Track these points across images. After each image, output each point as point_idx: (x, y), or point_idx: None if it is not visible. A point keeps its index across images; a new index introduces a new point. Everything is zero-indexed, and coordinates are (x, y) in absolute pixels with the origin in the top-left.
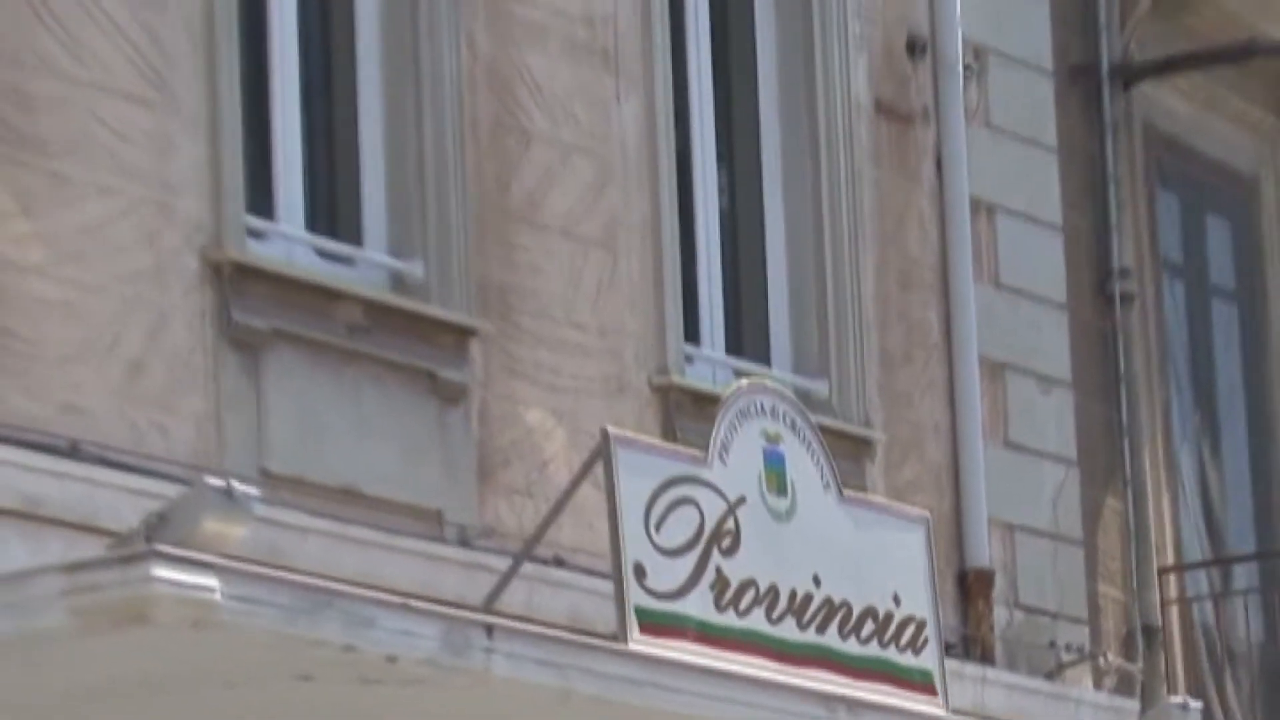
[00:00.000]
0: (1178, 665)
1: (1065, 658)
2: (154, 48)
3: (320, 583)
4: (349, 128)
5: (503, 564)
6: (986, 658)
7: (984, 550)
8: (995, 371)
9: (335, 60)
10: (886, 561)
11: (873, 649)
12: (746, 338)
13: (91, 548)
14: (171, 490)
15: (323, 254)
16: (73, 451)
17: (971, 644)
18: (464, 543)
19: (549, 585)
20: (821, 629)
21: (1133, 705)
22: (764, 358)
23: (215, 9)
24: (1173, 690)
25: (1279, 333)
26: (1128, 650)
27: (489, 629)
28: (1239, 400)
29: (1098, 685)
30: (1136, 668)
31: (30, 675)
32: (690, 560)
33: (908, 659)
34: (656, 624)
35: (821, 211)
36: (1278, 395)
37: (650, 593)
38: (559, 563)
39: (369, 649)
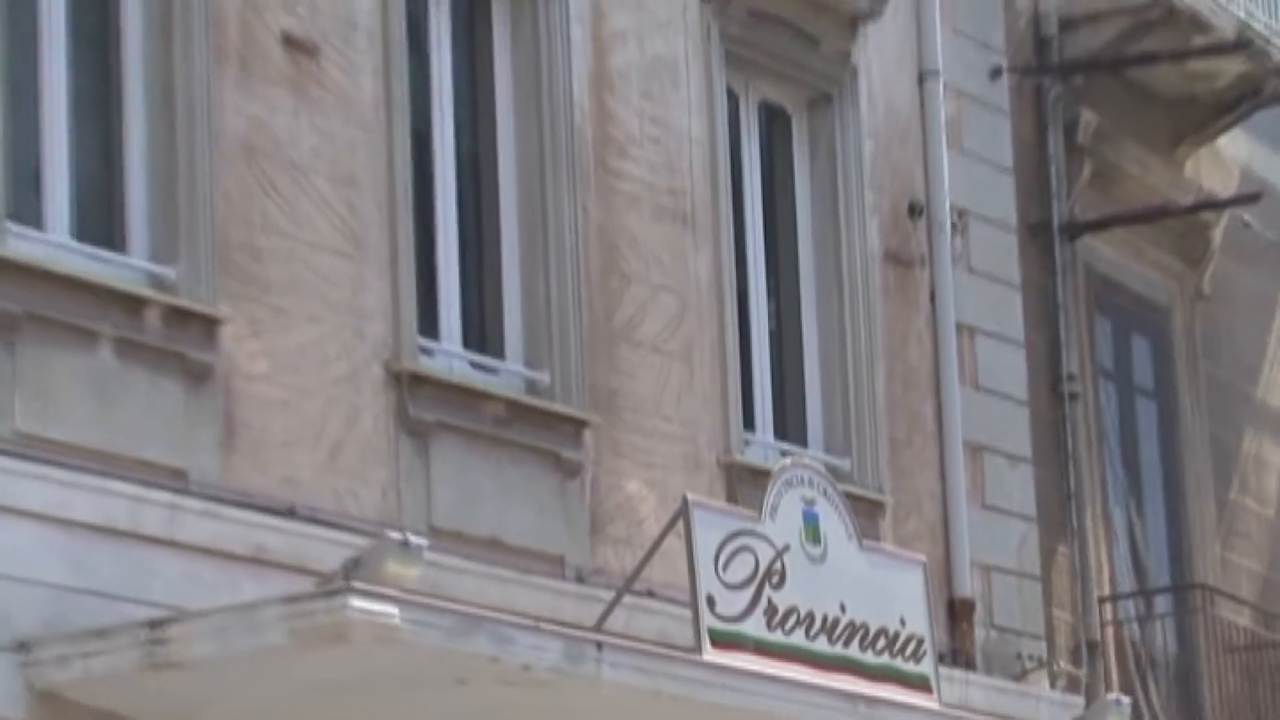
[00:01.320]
0: (1113, 671)
1: (1028, 665)
2: (351, 214)
3: (473, 610)
4: (495, 271)
5: (609, 595)
6: (969, 665)
7: (967, 585)
8: (975, 452)
9: (485, 222)
10: (894, 593)
11: (884, 659)
12: (790, 426)
13: (304, 585)
14: (363, 541)
15: (474, 365)
16: (290, 513)
17: (958, 655)
18: (580, 580)
19: (643, 611)
20: (846, 644)
21: (1079, 701)
22: (802, 441)
23: (395, 187)
24: (1109, 689)
25: (1185, 421)
26: (1075, 659)
27: (599, 645)
28: (1156, 471)
29: (1052, 686)
30: (1082, 673)
31: (258, 679)
32: (748, 593)
33: (910, 666)
34: (723, 640)
35: (845, 332)
36: (1186, 468)
37: (719, 617)
38: (650, 594)
39: (509, 660)
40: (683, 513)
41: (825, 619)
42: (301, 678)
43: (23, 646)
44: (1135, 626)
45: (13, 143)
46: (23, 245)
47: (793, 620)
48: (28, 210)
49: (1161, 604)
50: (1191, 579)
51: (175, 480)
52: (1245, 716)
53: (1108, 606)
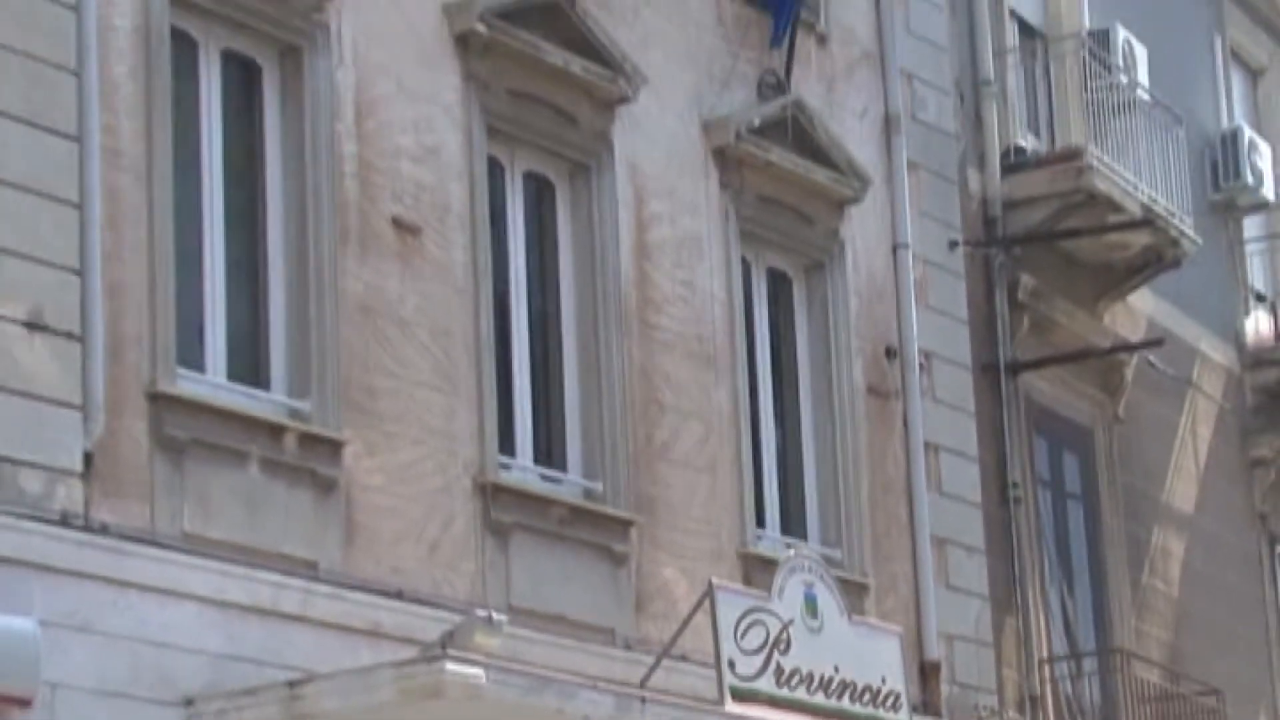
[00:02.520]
0: (1050, 719)
1: (983, 714)
2: (445, 358)
3: (542, 672)
4: (559, 402)
5: (650, 659)
6: (937, 714)
7: (934, 650)
8: (939, 544)
9: (551, 364)
10: (876, 657)
11: (869, 710)
12: (793, 524)
13: (409, 653)
14: (456, 618)
15: (543, 477)
16: (398, 595)
17: (928, 706)
18: (627, 647)
19: (677, 672)
20: (839, 698)
21: None
22: (803, 535)
23: (480, 337)
24: None
25: (1106, 520)
26: (1020, 710)
27: (643, 699)
28: (1084, 559)
29: None
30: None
31: None
32: (761, 657)
33: (889, 715)
34: (741, 696)
35: (836, 450)
36: (1107, 557)
37: (737, 676)
38: (683, 658)
39: (572, 711)
40: (708, 594)
41: (822, 678)
42: None
43: (189, 702)
44: (1068, 683)
45: (180, 303)
46: (188, 385)
47: (796, 679)
48: (192, 356)
49: (1089, 665)
50: (1112, 645)
51: (308, 570)
52: None
53: (1046, 667)
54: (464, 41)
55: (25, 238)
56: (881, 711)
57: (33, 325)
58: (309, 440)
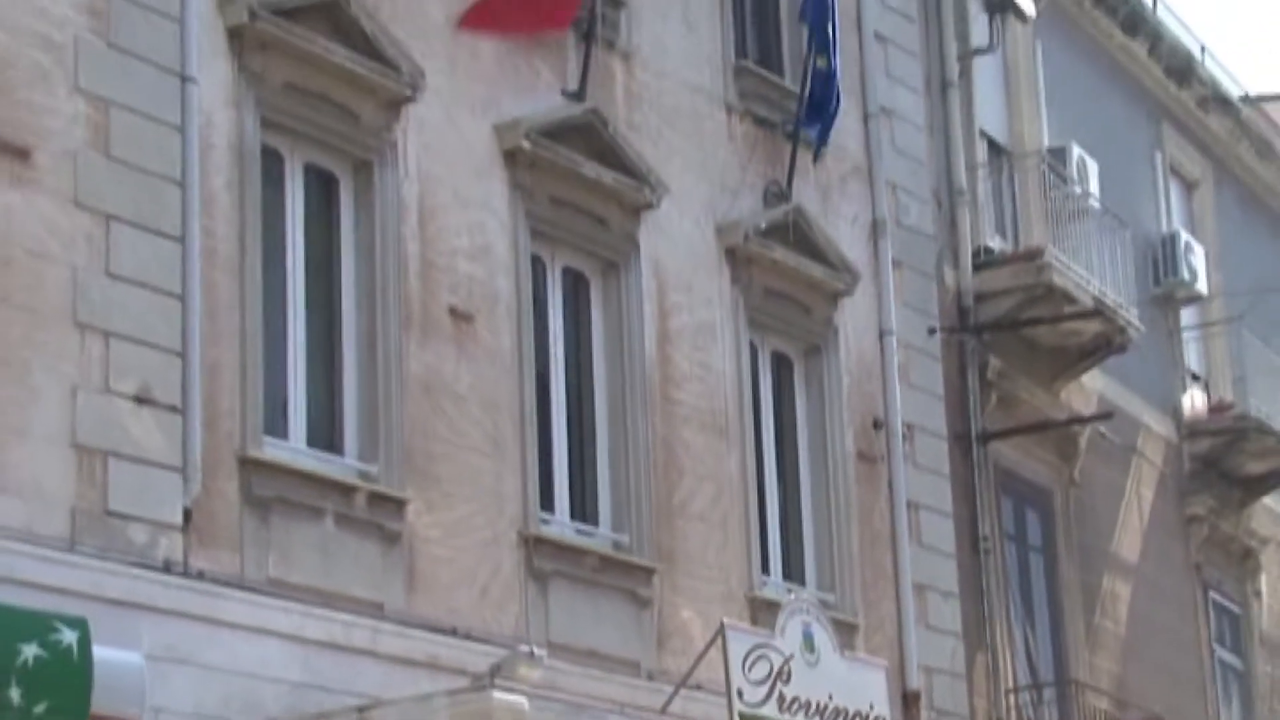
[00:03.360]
0: None
1: None
2: (494, 429)
3: (577, 700)
4: (592, 467)
5: (669, 689)
6: None
7: (915, 681)
8: (920, 590)
9: (585, 433)
10: (865, 687)
11: None
12: (793, 572)
13: (462, 682)
14: (502, 652)
15: (578, 531)
16: (453, 633)
17: None
18: (650, 678)
19: (694, 700)
20: None
21: None
22: (802, 581)
23: (524, 410)
24: None
25: (1063, 569)
26: None
27: None
28: (1044, 602)
29: None
30: None
31: None
32: (766, 686)
33: None
34: None
35: (831, 508)
36: (1064, 600)
37: (745, 704)
38: (699, 688)
39: None
40: (720, 632)
41: (819, 705)
42: None
43: None
44: (1030, 710)
45: (267, 380)
46: (273, 450)
47: (796, 705)
48: (276, 426)
49: (1048, 694)
50: (1068, 676)
51: (375, 610)
52: None
53: (1012, 695)
54: (511, 156)
55: (135, 324)
56: None
57: (141, 400)
58: (376, 499)
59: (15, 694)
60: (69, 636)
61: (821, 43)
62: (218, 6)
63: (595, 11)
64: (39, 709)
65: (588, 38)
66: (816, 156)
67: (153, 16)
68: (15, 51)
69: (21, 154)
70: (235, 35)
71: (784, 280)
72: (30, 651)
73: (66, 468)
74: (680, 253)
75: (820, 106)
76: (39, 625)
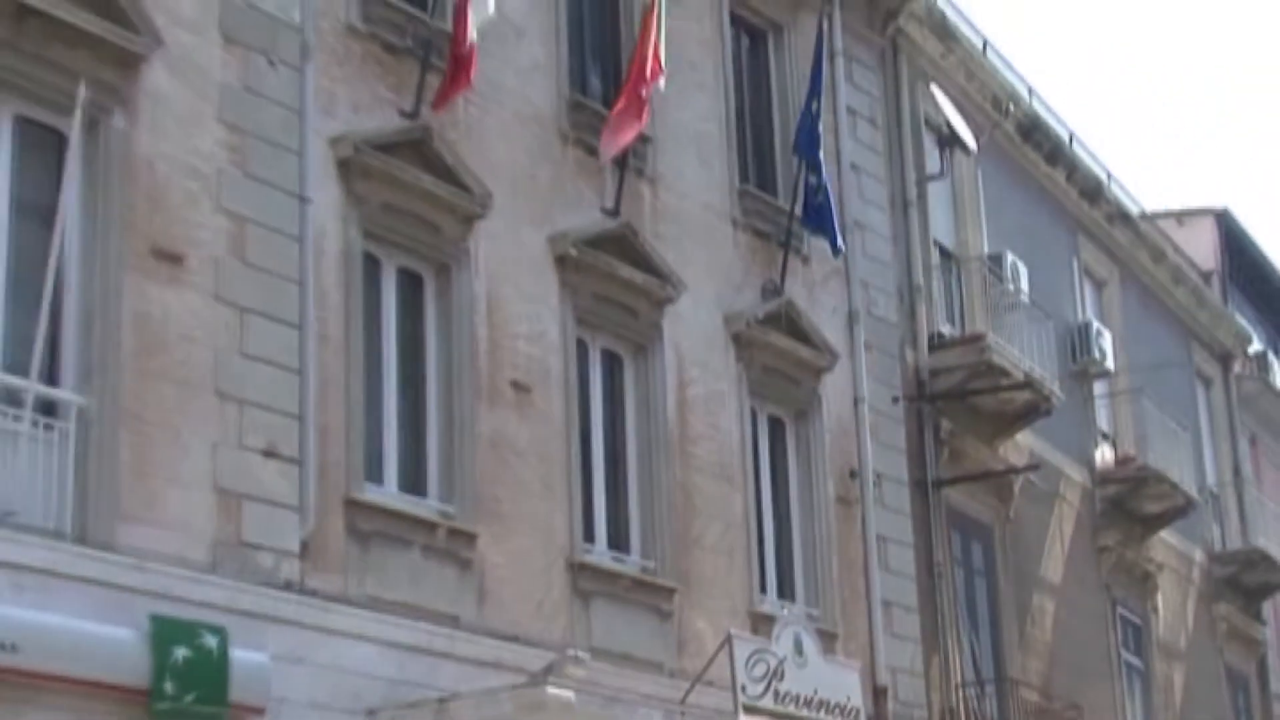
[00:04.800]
0: None
1: None
2: (547, 475)
3: (613, 693)
4: (625, 508)
5: (687, 684)
6: None
7: (884, 678)
8: (887, 606)
9: (619, 481)
10: (844, 684)
11: (838, 718)
12: (786, 591)
13: (521, 679)
14: (553, 655)
15: (614, 558)
16: (514, 639)
17: (878, 717)
18: (671, 675)
19: (706, 694)
20: (818, 711)
21: None
22: (793, 598)
23: (570, 462)
24: None
25: (1001, 589)
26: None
27: (682, 713)
28: (986, 616)
29: None
30: None
31: None
32: (764, 683)
33: None
34: (751, 710)
35: (816, 540)
36: (1002, 614)
37: (747, 696)
38: (710, 684)
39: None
40: (728, 640)
41: (806, 698)
42: None
43: (370, 713)
44: (975, 702)
45: (367, 438)
46: (372, 494)
47: (788, 698)
48: (374, 474)
49: (989, 689)
50: (1005, 675)
51: (452, 621)
52: None
53: (960, 690)
54: (561, 261)
55: (263, 394)
56: None
57: (268, 453)
58: (454, 533)
59: (170, 686)
60: (211, 641)
61: (814, 165)
62: (329, 143)
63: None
64: (188, 698)
65: (622, 166)
66: (805, 261)
67: (279, 151)
68: (172, 180)
69: (176, 259)
70: (343, 165)
71: (778, 358)
72: (181, 653)
73: (210, 508)
74: (695, 337)
75: (822, 215)
76: (188, 632)
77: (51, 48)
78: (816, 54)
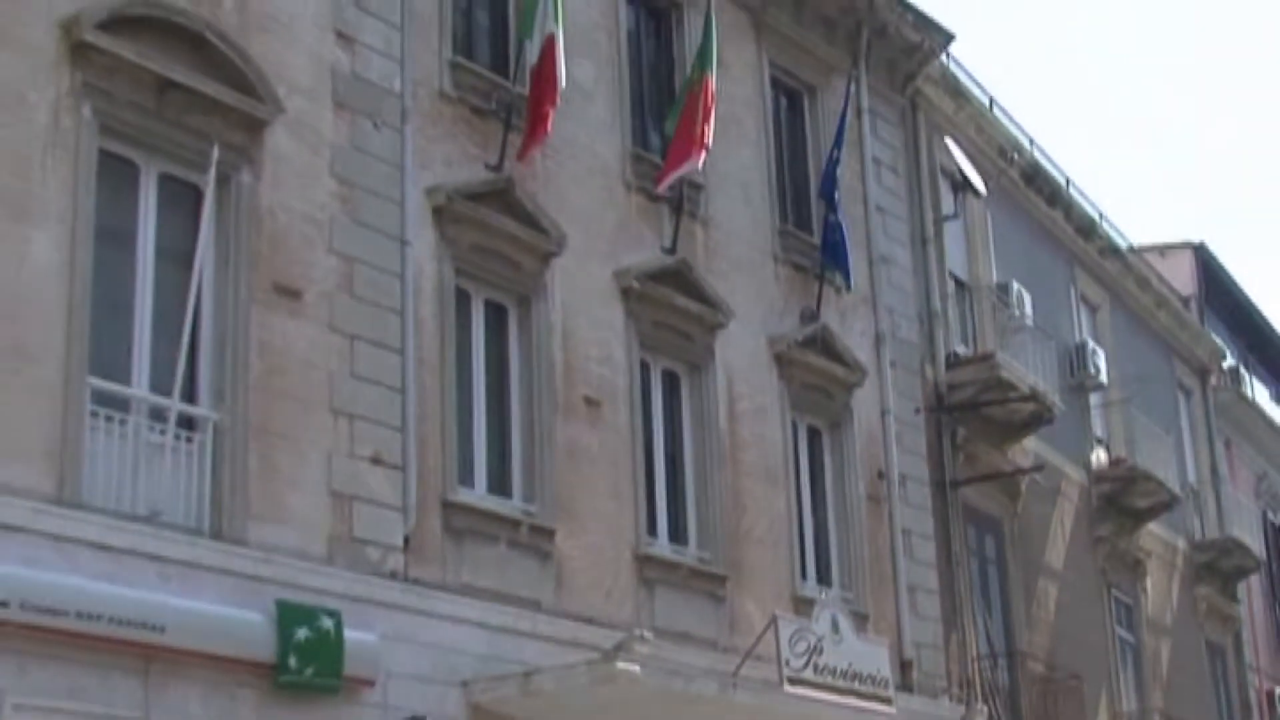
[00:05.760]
0: (978, 694)
1: (940, 690)
2: (616, 479)
3: (674, 667)
4: (683, 506)
5: (738, 659)
6: (911, 690)
7: (910, 653)
8: (911, 589)
9: (679, 482)
10: (874, 658)
11: (870, 688)
12: (824, 577)
13: (595, 655)
14: (621, 634)
15: (674, 550)
16: (590, 621)
17: (905, 687)
18: (725, 651)
19: (755, 667)
20: (852, 681)
21: (961, 709)
22: (830, 584)
23: (636, 467)
24: (976, 704)
25: (1011, 575)
26: (961, 688)
27: (734, 683)
28: (998, 598)
29: (950, 701)
30: (964, 695)
31: (576, 701)
32: (805, 657)
33: (883, 692)
34: (794, 681)
35: (850, 533)
36: (1012, 597)
37: (791, 669)
38: (758, 659)
39: (692, 690)
40: (773, 620)
41: (842, 670)
42: (597, 702)
43: (464, 684)
44: (989, 672)
45: (459, 447)
46: (465, 495)
47: (826, 670)
48: (466, 479)
49: (1001, 661)
50: (1015, 649)
51: (534, 606)
52: (1042, 718)
53: (976, 663)
54: (626, 293)
55: (370, 410)
56: (877, 689)
57: (376, 461)
58: (535, 529)
59: (293, 661)
60: (328, 623)
61: (832, 207)
62: (425, 193)
63: (682, 192)
64: (308, 672)
65: (678, 210)
66: (847, 290)
67: (382, 201)
68: (292, 226)
69: (296, 295)
70: (437, 212)
71: (815, 376)
72: (302, 633)
73: (325, 508)
74: (743, 358)
75: (837, 251)
76: (308, 615)
77: (189, 115)
78: (842, 111)
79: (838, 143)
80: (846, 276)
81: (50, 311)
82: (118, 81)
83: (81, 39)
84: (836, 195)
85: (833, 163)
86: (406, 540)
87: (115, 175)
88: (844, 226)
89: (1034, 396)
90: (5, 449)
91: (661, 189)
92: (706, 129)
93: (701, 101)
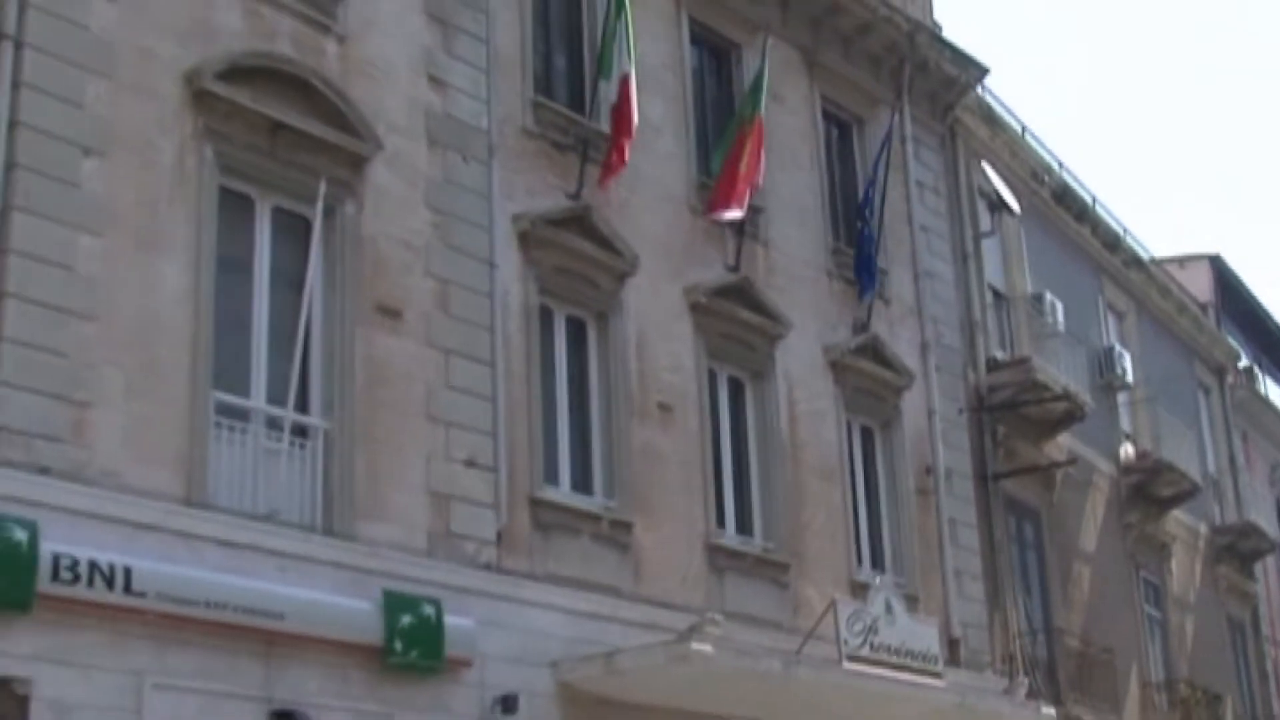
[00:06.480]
0: (1020, 668)
1: (985, 665)
2: (688, 476)
3: (743, 647)
4: (748, 499)
5: (800, 638)
6: (958, 665)
7: (956, 631)
8: (957, 574)
9: (746, 477)
10: (925, 637)
11: (921, 664)
12: (878, 564)
13: (671, 637)
14: (695, 618)
15: (740, 540)
16: (666, 605)
17: (953, 662)
18: (789, 632)
19: (817, 646)
20: (904, 658)
21: (1004, 682)
22: (883, 569)
23: (705, 464)
24: (1019, 676)
25: (1049, 560)
26: (1004, 663)
27: (798, 661)
28: (1037, 580)
29: (996, 674)
30: (1006, 669)
31: (655, 681)
32: (862, 636)
33: (933, 667)
34: (852, 658)
35: (901, 523)
36: (1050, 580)
37: (849, 648)
38: (819, 638)
39: (758, 668)
40: (833, 603)
41: (895, 647)
42: (673, 679)
43: (553, 664)
44: (1030, 648)
45: (545, 450)
46: (551, 493)
47: (881, 649)
48: (552, 477)
49: (1040, 638)
50: (1053, 626)
51: (615, 592)
52: (1078, 688)
53: (1017, 639)
54: (695, 308)
55: (465, 417)
56: (927, 665)
57: (469, 463)
58: (615, 523)
59: (399, 644)
60: (430, 610)
61: (865, 223)
62: (511, 220)
63: (744, 215)
64: (413, 654)
65: (740, 232)
66: (887, 303)
67: (472, 227)
68: (391, 252)
69: (396, 314)
70: (523, 238)
71: (867, 381)
72: (407, 619)
73: (425, 507)
74: (802, 365)
75: (867, 264)
76: (412, 604)
77: (299, 154)
78: (884, 139)
79: (874, 166)
80: (870, 283)
81: (178, 333)
82: (235, 125)
83: (202, 87)
84: (868, 212)
85: (870, 183)
86: (499, 535)
87: (233, 209)
88: (872, 240)
89: (1067, 396)
90: (140, 456)
91: (711, 218)
92: (756, 166)
93: (751, 140)
